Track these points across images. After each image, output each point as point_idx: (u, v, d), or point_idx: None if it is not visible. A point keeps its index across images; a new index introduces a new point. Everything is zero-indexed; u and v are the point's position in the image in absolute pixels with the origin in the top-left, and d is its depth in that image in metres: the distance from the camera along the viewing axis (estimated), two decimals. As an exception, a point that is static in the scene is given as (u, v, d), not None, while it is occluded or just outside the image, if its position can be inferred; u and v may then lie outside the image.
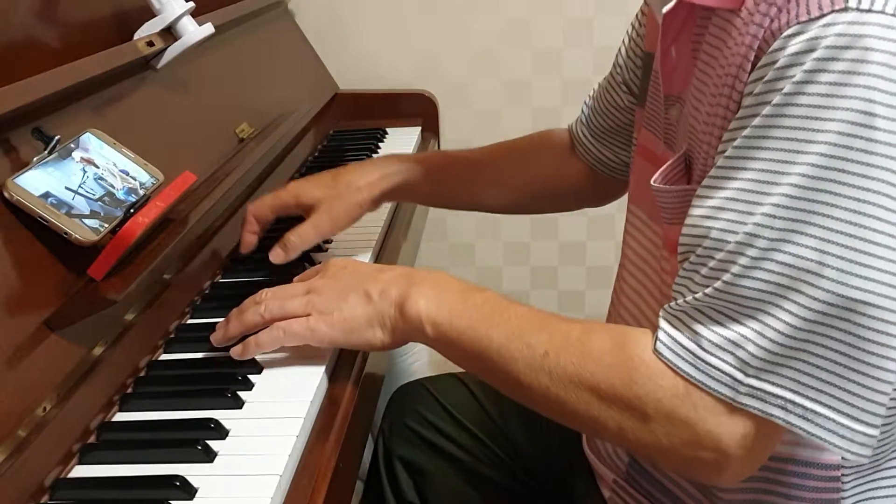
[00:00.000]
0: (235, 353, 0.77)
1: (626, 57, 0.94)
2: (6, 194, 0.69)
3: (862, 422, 0.56)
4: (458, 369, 0.87)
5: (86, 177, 0.76)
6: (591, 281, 1.89)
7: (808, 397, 0.56)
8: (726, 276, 0.58)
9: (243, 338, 0.78)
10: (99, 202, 0.76)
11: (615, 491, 0.83)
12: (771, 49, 0.57)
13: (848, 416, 0.56)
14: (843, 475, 0.67)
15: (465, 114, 1.77)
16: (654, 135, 0.79)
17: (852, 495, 0.68)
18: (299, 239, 0.93)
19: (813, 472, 0.67)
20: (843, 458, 0.57)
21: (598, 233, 1.83)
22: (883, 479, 0.69)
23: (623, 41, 0.94)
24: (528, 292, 1.90)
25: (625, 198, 0.89)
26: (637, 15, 0.92)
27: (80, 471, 0.66)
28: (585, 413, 0.63)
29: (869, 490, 0.69)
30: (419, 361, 1.72)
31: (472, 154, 1.08)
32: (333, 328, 0.74)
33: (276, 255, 0.93)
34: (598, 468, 0.86)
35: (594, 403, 0.63)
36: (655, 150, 0.79)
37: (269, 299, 0.77)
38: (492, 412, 1.03)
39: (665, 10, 0.68)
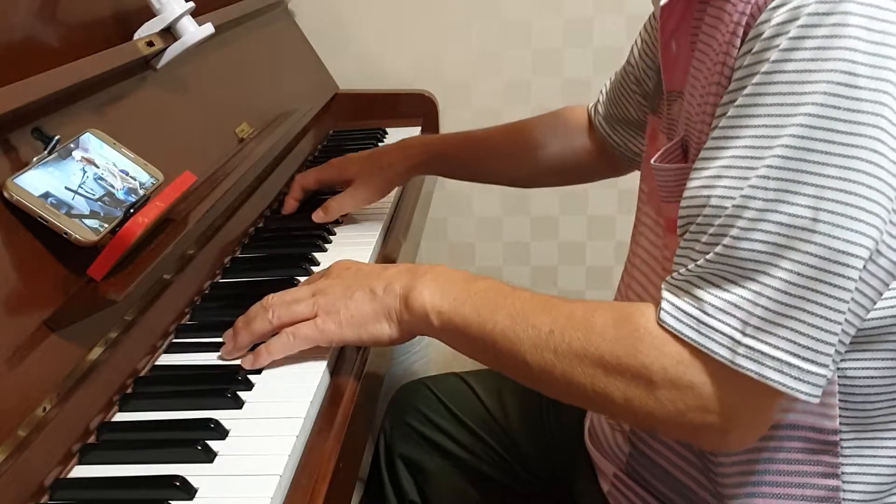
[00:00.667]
0: (247, 363, 0.77)
1: (639, 57, 0.96)
2: (6, 194, 0.69)
3: (828, 367, 0.59)
4: (459, 368, 0.87)
5: (86, 177, 0.76)
6: (591, 281, 1.88)
7: (803, 358, 0.58)
8: (725, 240, 0.60)
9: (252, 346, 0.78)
10: (99, 202, 0.76)
11: (614, 484, 0.83)
12: (758, 22, 0.60)
13: (824, 366, 0.59)
14: (842, 440, 0.68)
15: (465, 114, 1.77)
16: (664, 135, 0.80)
17: (851, 455, 0.69)
18: (338, 205, 1.10)
19: (814, 436, 0.68)
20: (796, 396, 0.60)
21: (598, 233, 1.83)
22: (883, 439, 0.70)
23: (636, 42, 0.96)
24: (529, 292, 1.89)
25: (624, 199, 0.89)
26: (650, 18, 0.93)
27: (80, 471, 0.66)
28: (591, 387, 0.65)
29: (868, 448, 0.69)
30: (421, 360, 1.72)
31: (491, 133, 1.19)
32: (342, 326, 0.75)
33: (318, 216, 1.10)
34: (600, 462, 0.87)
35: (599, 376, 0.64)
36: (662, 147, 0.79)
37: (276, 304, 0.77)
38: (493, 410, 1.03)
39: (662, 2, 0.70)
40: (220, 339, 0.81)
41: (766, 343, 0.59)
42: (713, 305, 0.60)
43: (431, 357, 1.74)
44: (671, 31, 0.73)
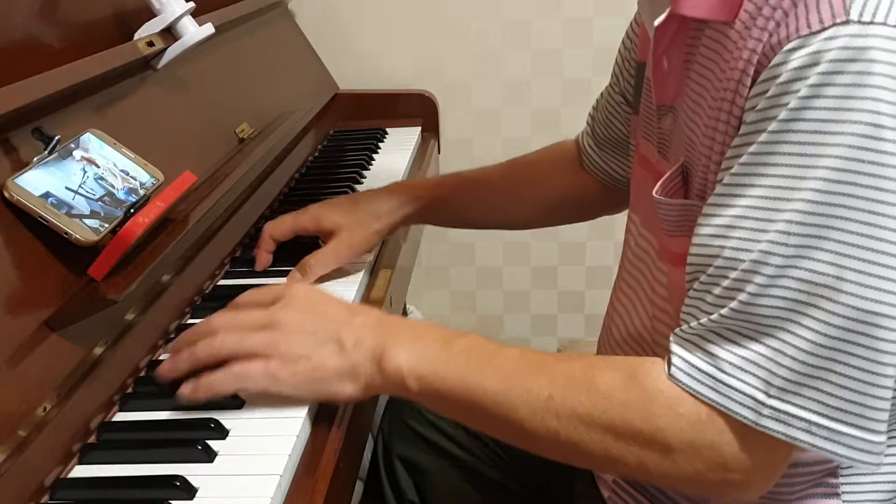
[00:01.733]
0: (184, 394, 0.69)
1: (621, 66, 0.94)
2: (6, 194, 0.69)
3: (877, 432, 0.57)
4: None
5: (86, 177, 0.76)
6: (591, 281, 1.89)
7: (832, 418, 0.56)
8: (742, 296, 0.57)
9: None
10: (99, 202, 0.76)
11: (615, 491, 0.83)
12: (772, 63, 0.56)
13: (868, 430, 0.57)
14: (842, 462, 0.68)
15: (465, 114, 1.77)
16: (650, 142, 0.79)
17: (851, 475, 0.68)
18: (319, 264, 0.94)
19: (817, 468, 0.68)
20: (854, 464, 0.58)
21: (598, 233, 1.83)
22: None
23: (619, 50, 0.95)
24: (528, 292, 1.90)
25: (628, 199, 0.89)
26: (630, 24, 0.92)
27: (80, 471, 0.66)
28: (602, 453, 0.62)
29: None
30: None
31: (487, 173, 1.08)
32: (297, 377, 0.68)
33: (295, 279, 0.94)
34: (598, 468, 0.86)
35: (610, 442, 0.61)
36: (651, 158, 0.79)
37: (226, 331, 0.70)
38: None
39: (657, 23, 0.68)
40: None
41: (792, 404, 0.56)
42: (729, 363, 0.58)
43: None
44: (664, 49, 0.71)
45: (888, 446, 0.68)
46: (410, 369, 0.67)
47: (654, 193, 0.69)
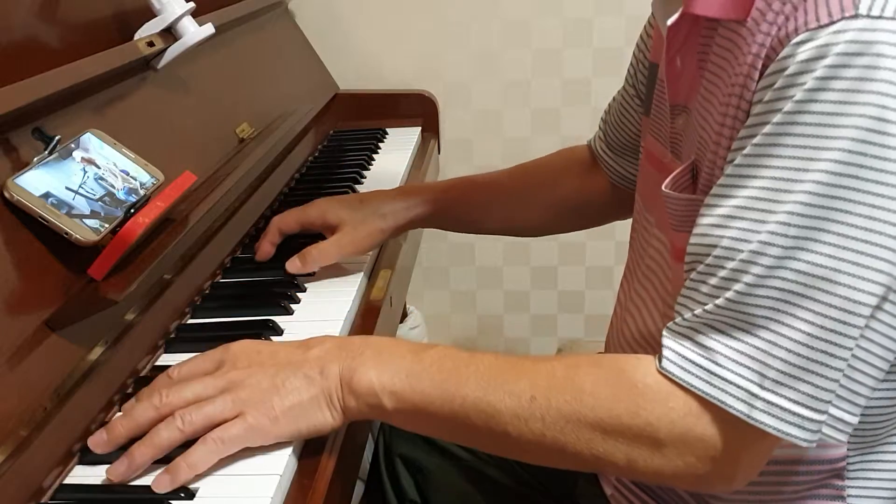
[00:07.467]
0: (162, 485, 0.62)
1: (635, 67, 0.94)
2: (6, 194, 0.69)
3: (855, 415, 0.58)
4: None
5: (86, 177, 0.76)
6: (591, 281, 1.88)
7: (823, 412, 0.57)
8: (738, 286, 0.57)
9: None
10: (99, 202, 0.76)
11: (617, 488, 0.83)
12: (780, 56, 0.57)
13: (853, 414, 0.58)
14: (848, 464, 0.68)
15: (465, 114, 1.77)
16: (660, 143, 0.79)
17: (857, 477, 0.68)
18: (320, 254, 0.95)
19: (822, 468, 0.68)
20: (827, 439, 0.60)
21: (598, 233, 1.81)
22: (884, 453, 0.69)
23: (633, 53, 0.95)
24: (528, 293, 1.90)
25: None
26: (645, 26, 0.92)
27: (80, 471, 0.66)
28: (589, 452, 0.61)
29: (873, 471, 0.69)
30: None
31: (496, 177, 1.08)
32: (277, 421, 0.65)
33: (294, 266, 0.94)
34: (601, 465, 0.86)
35: (597, 440, 0.61)
36: (662, 158, 0.78)
37: (183, 410, 0.64)
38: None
39: (669, 22, 0.67)
40: (220, 339, 0.80)
41: (786, 398, 0.57)
42: (725, 356, 0.58)
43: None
44: (677, 48, 0.71)
45: (891, 446, 0.69)
46: (383, 386, 0.65)
47: (662, 187, 0.69)
